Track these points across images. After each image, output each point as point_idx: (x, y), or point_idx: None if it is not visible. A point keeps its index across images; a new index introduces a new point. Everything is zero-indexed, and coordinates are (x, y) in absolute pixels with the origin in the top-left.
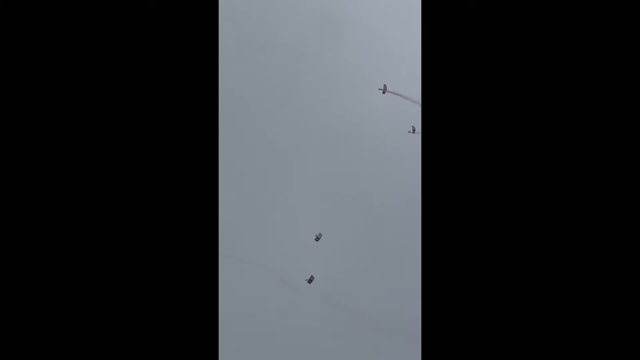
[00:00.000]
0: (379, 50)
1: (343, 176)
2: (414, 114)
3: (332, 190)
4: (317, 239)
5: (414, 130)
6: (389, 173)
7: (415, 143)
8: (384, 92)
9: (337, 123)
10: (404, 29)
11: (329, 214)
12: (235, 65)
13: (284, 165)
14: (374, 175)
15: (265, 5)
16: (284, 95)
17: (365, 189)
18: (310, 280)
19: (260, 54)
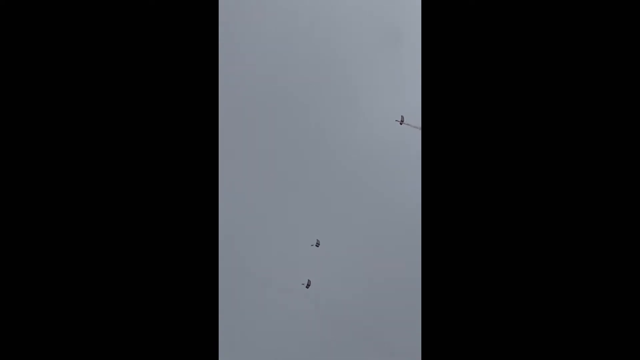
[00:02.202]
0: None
1: (342, 184)
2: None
3: (331, 199)
4: (317, 244)
5: (402, 120)
6: (388, 182)
7: (416, 153)
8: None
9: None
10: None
11: (329, 224)
12: (235, 64)
13: (284, 168)
14: (373, 184)
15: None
16: (286, 97)
17: (366, 197)
18: (307, 285)
19: (260, 55)
